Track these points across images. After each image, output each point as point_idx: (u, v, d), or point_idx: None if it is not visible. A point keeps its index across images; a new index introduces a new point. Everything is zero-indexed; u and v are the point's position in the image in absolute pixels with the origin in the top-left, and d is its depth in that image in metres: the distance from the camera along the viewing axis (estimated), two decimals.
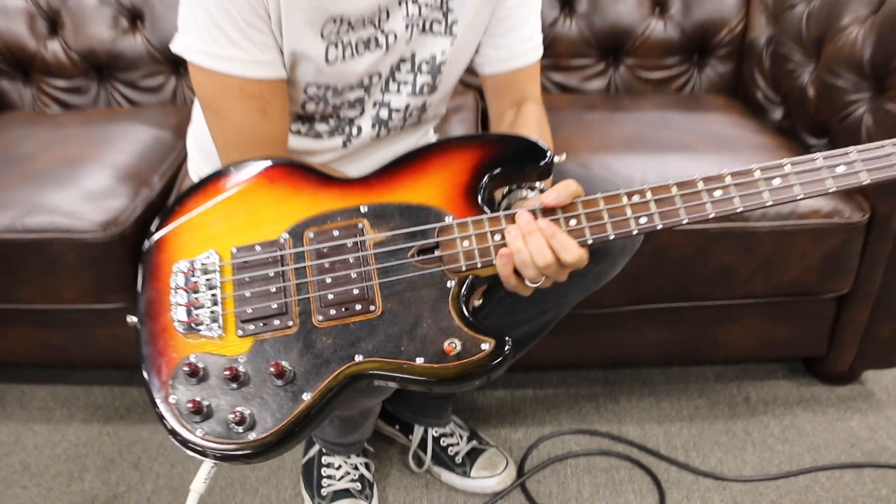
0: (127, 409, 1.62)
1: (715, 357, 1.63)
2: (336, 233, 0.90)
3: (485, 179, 0.91)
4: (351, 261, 0.88)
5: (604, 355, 1.57)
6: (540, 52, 1.18)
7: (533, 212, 0.86)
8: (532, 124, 1.15)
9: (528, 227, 0.84)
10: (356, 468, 1.39)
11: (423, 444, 1.44)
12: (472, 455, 1.43)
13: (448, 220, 0.88)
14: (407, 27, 1.05)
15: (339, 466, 1.38)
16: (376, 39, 1.04)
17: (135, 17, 1.91)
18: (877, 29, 1.38)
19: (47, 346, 1.55)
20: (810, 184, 0.84)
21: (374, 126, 1.15)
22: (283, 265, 0.89)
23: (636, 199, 0.86)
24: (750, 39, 1.83)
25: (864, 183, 0.84)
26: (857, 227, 1.36)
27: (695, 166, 1.41)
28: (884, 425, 1.52)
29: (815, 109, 1.53)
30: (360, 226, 0.90)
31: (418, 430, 1.45)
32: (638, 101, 1.77)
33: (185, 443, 0.82)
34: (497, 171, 0.91)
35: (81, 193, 1.43)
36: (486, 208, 0.89)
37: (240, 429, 0.81)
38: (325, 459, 1.39)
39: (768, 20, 1.79)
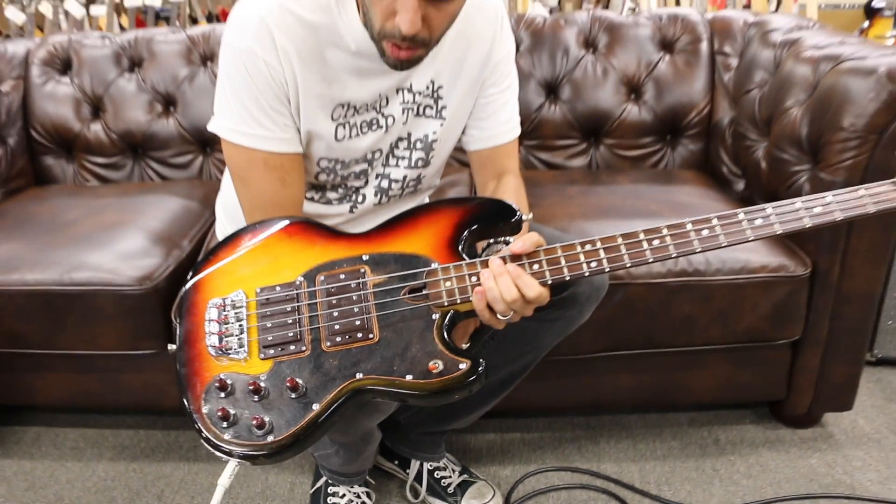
0: (152, 449, 1.78)
1: (684, 401, 1.79)
2: (342, 276, 1.09)
3: (465, 233, 1.11)
4: (354, 298, 1.07)
5: (584, 399, 1.73)
6: (517, 131, 1.40)
7: (503, 258, 1.05)
8: (510, 192, 1.35)
9: (498, 270, 1.03)
10: (359, 496, 1.54)
11: (418, 477, 1.60)
12: (463, 486, 1.58)
13: (434, 265, 1.08)
14: (403, 111, 1.28)
15: (343, 495, 1.53)
16: (377, 121, 1.27)
17: (168, 103, 2.16)
18: (811, 110, 1.60)
19: (82, 389, 1.73)
20: (733, 234, 1.04)
21: (376, 195, 1.35)
22: (298, 302, 1.07)
23: (588, 247, 1.05)
24: (715, 121, 2.06)
25: (777, 233, 1.03)
26: (801, 279, 1.54)
27: None
28: (841, 462, 1.67)
29: (767, 180, 1.73)
30: (362, 270, 1.09)
31: (415, 465, 1.60)
32: (615, 176, 1.98)
33: (215, 446, 0.99)
34: (475, 226, 1.12)
35: (120, 253, 1.63)
36: (465, 256, 1.08)
37: (260, 432, 0.98)
38: (330, 489, 1.54)
39: (730, 104, 2.02)
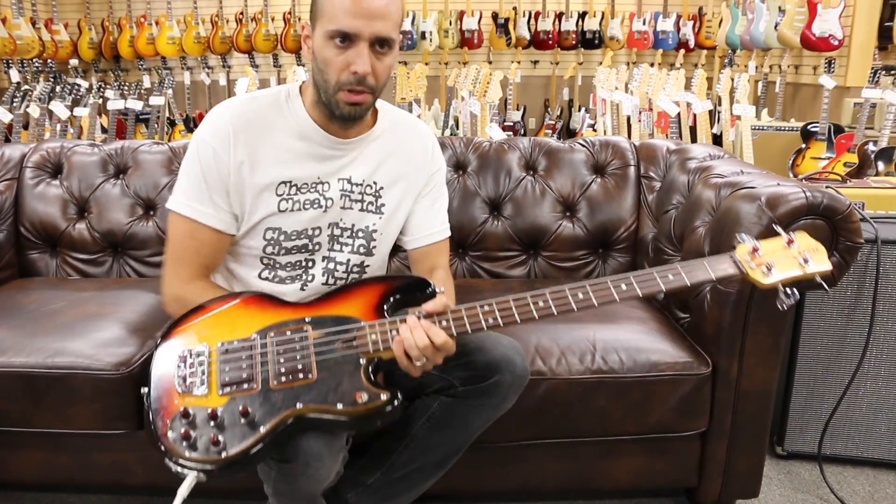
0: None
1: (607, 487, 1.96)
2: (289, 333, 1.37)
3: (390, 301, 1.42)
4: (298, 348, 1.35)
5: (514, 485, 1.89)
6: (448, 233, 1.71)
7: (418, 316, 1.34)
8: (439, 281, 1.61)
9: (414, 324, 1.33)
10: None
11: None
12: None
13: (363, 323, 1.37)
14: (341, 197, 1.57)
15: None
16: (318, 202, 1.56)
17: (148, 208, 2.37)
18: (712, 230, 1.85)
19: (54, 466, 1.86)
20: (602, 294, 1.35)
21: (324, 275, 1.62)
22: (252, 351, 1.34)
23: (486, 307, 1.36)
24: (641, 236, 2.31)
25: (639, 295, 1.37)
26: (704, 377, 1.76)
27: (578, 333, 1.83)
28: None
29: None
30: (305, 329, 1.37)
31: None
32: (548, 285, 2.18)
33: (177, 462, 1.24)
34: (398, 296, 1.44)
35: (99, 342, 1.80)
36: (385, 312, 1.39)
37: (215, 449, 1.23)
38: None
39: (652, 222, 2.28)
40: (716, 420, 1.82)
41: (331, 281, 1.62)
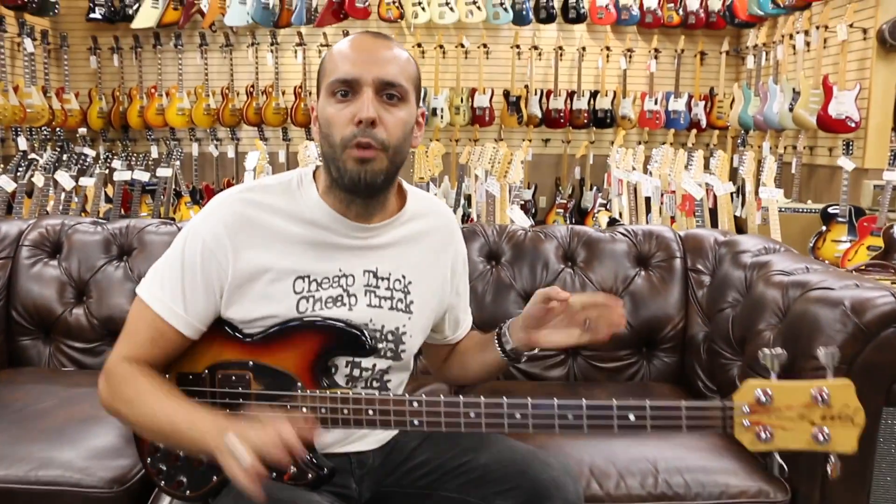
0: None
1: None
2: (234, 378, 1.33)
3: (325, 360, 1.33)
4: (239, 399, 1.32)
5: None
6: (471, 318, 1.62)
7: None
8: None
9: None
10: None
11: None
12: None
13: (298, 387, 1.30)
14: (366, 293, 1.37)
15: None
16: (342, 299, 1.35)
17: None
18: (782, 335, 1.66)
19: None
20: (493, 424, 1.23)
21: (346, 382, 1.38)
22: (202, 389, 1.34)
23: (376, 409, 1.25)
24: (690, 335, 2.12)
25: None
26: None
27: (636, 451, 1.62)
28: None
29: None
30: (247, 376, 1.33)
31: None
32: (592, 389, 2.00)
33: (157, 485, 1.38)
34: (333, 355, 1.34)
35: (92, 451, 1.60)
36: (323, 379, 1.31)
37: (180, 489, 1.36)
38: None
39: (703, 320, 2.09)
40: None
41: (350, 385, 1.40)
